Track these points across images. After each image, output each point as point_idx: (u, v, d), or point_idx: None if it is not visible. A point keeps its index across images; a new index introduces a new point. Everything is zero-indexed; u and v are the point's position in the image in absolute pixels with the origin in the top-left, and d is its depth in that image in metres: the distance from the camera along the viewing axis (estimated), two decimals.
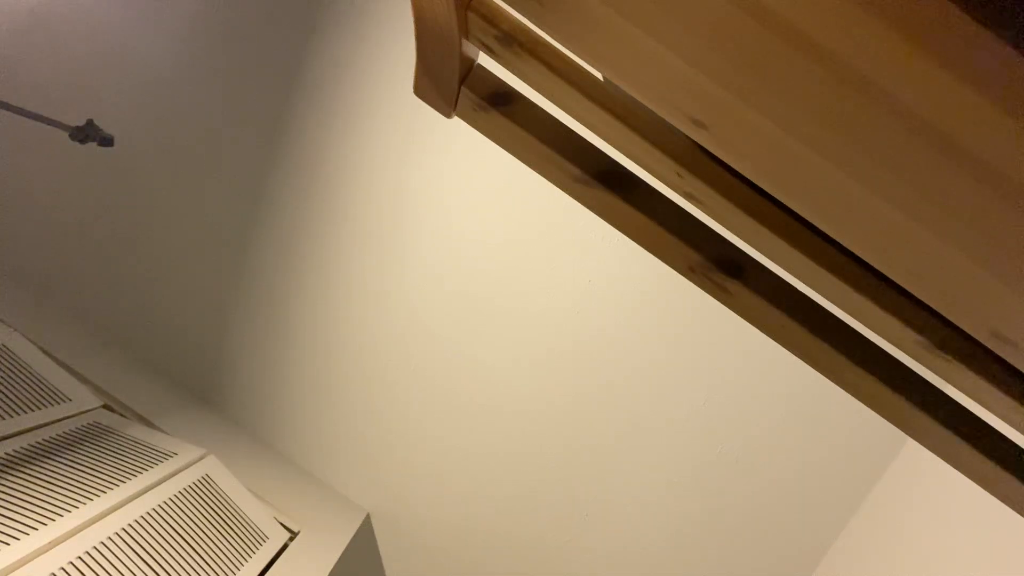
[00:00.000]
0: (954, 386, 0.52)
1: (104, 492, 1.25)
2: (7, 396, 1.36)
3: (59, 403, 1.45)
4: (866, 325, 0.53)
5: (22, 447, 1.27)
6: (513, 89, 0.58)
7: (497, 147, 0.61)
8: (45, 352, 1.58)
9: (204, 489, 1.45)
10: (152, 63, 1.89)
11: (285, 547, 1.55)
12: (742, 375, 1.70)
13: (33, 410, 1.38)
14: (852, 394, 0.58)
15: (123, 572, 1.15)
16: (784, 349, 0.59)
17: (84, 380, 1.66)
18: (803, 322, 0.56)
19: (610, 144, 0.55)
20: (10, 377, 1.41)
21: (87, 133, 1.53)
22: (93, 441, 1.40)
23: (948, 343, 0.49)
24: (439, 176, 1.80)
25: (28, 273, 2.02)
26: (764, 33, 0.34)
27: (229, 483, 1.52)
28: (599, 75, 0.51)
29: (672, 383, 1.75)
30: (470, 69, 0.58)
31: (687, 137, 0.51)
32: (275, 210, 1.90)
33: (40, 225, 2.02)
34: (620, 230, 0.59)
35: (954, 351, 0.49)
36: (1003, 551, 1.05)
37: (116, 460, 1.37)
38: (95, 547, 1.15)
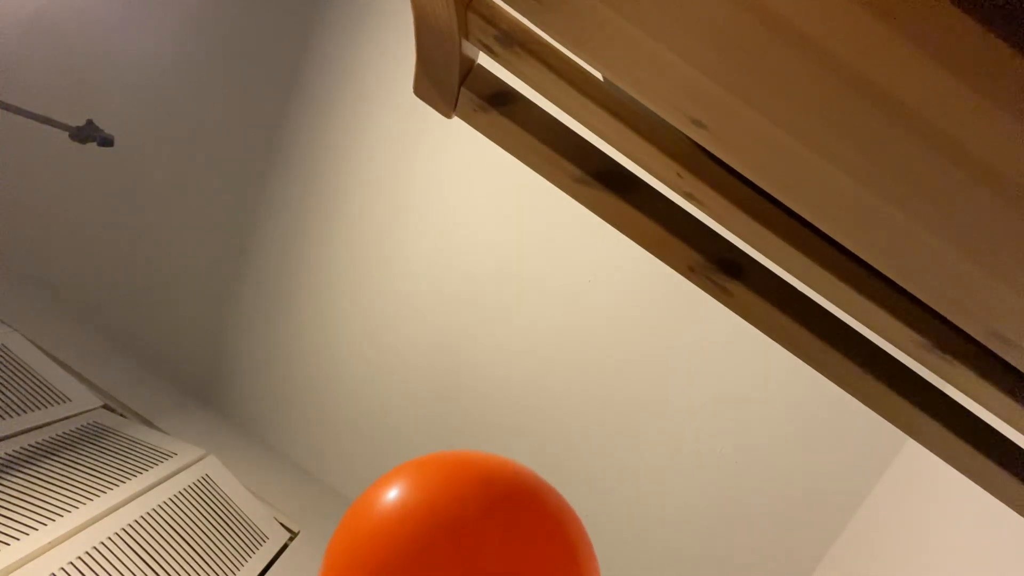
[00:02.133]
0: (954, 386, 0.52)
1: (104, 492, 1.25)
2: (7, 396, 1.36)
3: (59, 403, 1.45)
4: (866, 325, 0.53)
5: (22, 447, 1.27)
6: (513, 89, 0.58)
7: (497, 147, 0.61)
8: (45, 352, 1.58)
9: (204, 489, 1.45)
10: (152, 63, 1.89)
11: (285, 547, 1.55)
12: (740, 376, 1.70)
13: (33, 410, 1.38)
14: (852, 394, 0.58)
15: (123, 572, 1.15)
16: (784, 349, 0.59)
17: (84, 380, 1.66)
18: (803, 322, 0.56)
19: (610, 144, 0.55)
20: (10, 377, 1.41)
21: (87, 133, 1.53)
22: (93, 441, 1.40)
23: (948, 343, 0.49)
24: (439, 176, 1.79)
25: (28, 273, 2.02)
26: (764, 33, 0.34)
27: (229, 483, 1.52)
28: (599, 75, 0.51)
29: (671, 385, 1.75)
30: (470, 69, 0.58)
31: (687, 137, 0.51)
32: (275, 210, 1.90)
33: (40, 225, 2.02)
34: (620, 230, 0.59)
35: (954, 351, 0.49)
36: (1003, 551, 1.05)
37: (116, 460, 1.37)
38: (95, 547, 1.15)
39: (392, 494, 0.65)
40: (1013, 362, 0.43)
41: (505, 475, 0.69)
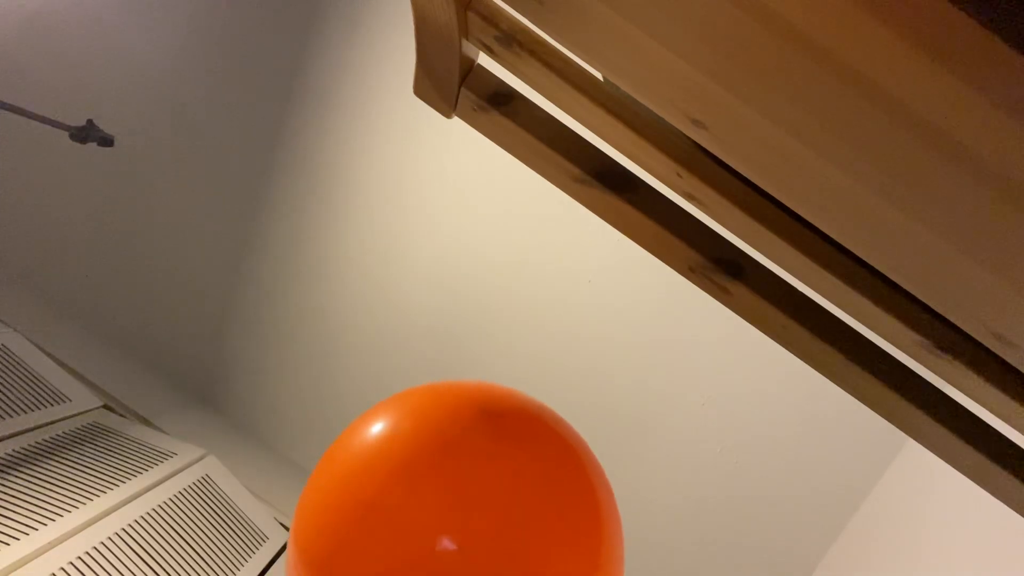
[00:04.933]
0: (954, 386, 0.52)
1: (104, 492, 1.25)
2: (7, 396, 1.36)
3: (59, 403, 1.45)
4: (866, 325, 0.53)
5: (22, 447, 1.27)
6: (513, 89, 0.58)
7: (497, 147, 0.61)
8: (45, 352, 1.58)
9: (204, 489, 1.45)
10: (152, 63, 1.89)
11: (285, 547, 1.55)
12: (741, 376, 1.70)
13: (33, 410, 1.38)
14: (852, 394, 0.58)
15: (123, 572, 1.15)
16: (784, 349, 0.59)
17: (84, 380, 1.66)
18: (803, 322, 0.56)
19: (610, 144, 0.55)
20: (10, 377, 1.41)
21: (87, 133, 1.53)
22: (93, 441, 1.40)
23: (948, 343, 0.49)
24: (441, 175, 1.79)
25: (28, 273, 2.02)
26: (764, 33, 0.34)
27: (229, 483, 1.52)
28: (599, 75, 0.51)
29: (672, 384, 1.75)
30: (470, 69, 0.58)
31: (687, 137, 0.51)
32: (275, 210, 1.90)
33: (40, 225, 2.02)
34: (620, 230, 0.59)
35: (954, 351, 0.49)
36: (1003, 551, 1.04)
37: (116, 460, 1.37)
38: (95, 547, 1.15)
39: (378, 426, 0.54)
40: (1013, 362, 0.43)
41: (507, 398, 0.58)
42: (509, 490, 0.51)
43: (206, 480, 1.47)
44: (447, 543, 0.48)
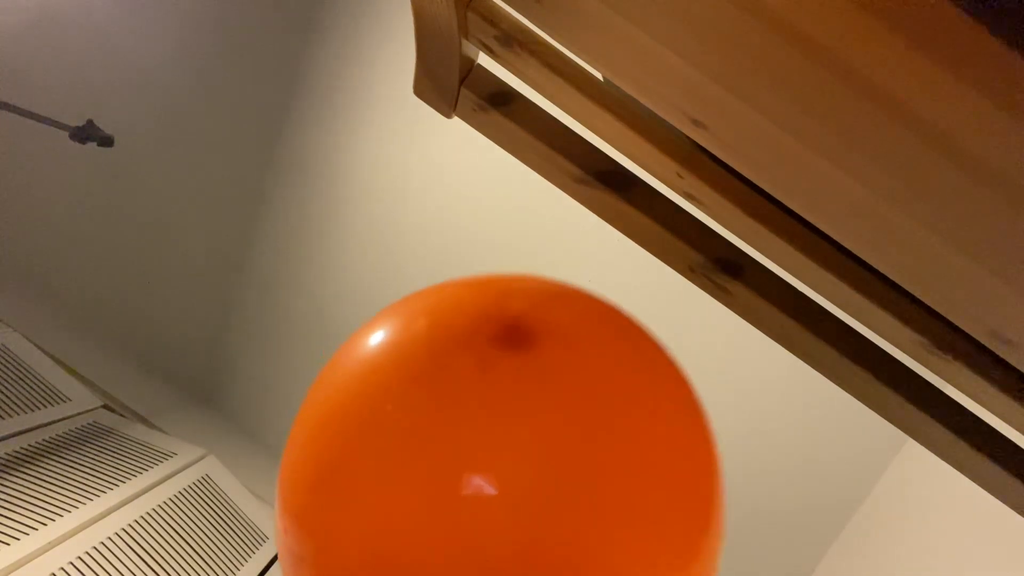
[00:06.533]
0: (954, 386, 0.52)
1: (104, 492, 1.25)
2: (7, 396, 1.36)
3: (59, 403, 1.45)
4: (866, 325, 0.53)
5: (22, 447, 1.27)
6: (513, 89, 0.58)
7: (497, 147, 0.61)
8: (45, 352, 1.58)
9: (204, 489, 1.45)
10: (152, 63, 1.89)
11: None
12: (740, 376, 1.70)
13: (33, 410, 1.38)
14: (852, 394, 0.58)
15: (123, 572, 1.15)
16: (784, 349, 0.59)
17: (84, 380, 1.66)
18: (803, 322, 0.56)
19: (610, 144, 0.55)
20: (10, 377, 1.41)
21: (87, 133, 1.53)
22: (93, 441, 1.40)
23: (948, 343, 0.49)
24: (440, 175, 1.79)
25: (28, 273, 2.02)
26: (764, 33, 0.34)
27: (229, 483, 1.52)
28: (599, 75, 0.51)
29: None
30: (470, 69, 0.58)
31: (687, 137, 0.51)
32: (275, 209, 1.90)
33: (40, 225, 2.02)
34: (620, 230, 0.59)
35: (954, 351, 0.49)
36: (1003, 551, 1.05)
37: (116, 460, 1.37)
38: (95, 547, 1.15)
39: (383, 329, 0.36)
40: (1013, 362, 0.43)
41: (564, 287, 0.38)
42: (574, 410, 0.31)
43: (206, 480, 1.47)
44: (481, 484, 0.30)
